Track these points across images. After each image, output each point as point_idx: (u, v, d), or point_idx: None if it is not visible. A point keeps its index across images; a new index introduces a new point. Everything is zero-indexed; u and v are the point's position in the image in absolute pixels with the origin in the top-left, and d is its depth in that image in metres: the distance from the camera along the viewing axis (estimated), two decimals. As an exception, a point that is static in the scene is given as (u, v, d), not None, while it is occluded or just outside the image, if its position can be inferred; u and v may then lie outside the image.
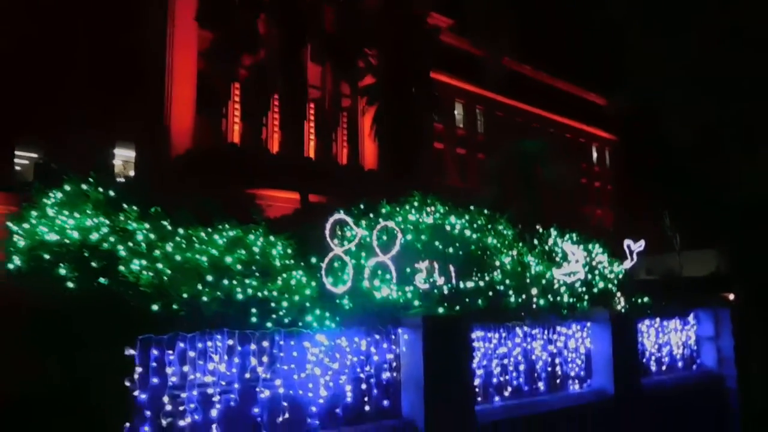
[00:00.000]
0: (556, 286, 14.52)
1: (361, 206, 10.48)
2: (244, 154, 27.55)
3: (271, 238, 8.24)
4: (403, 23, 25.95)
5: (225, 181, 19.28)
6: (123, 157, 25.01)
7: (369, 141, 32.42)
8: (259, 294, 7.61)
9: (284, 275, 7.84)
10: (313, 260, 8.90)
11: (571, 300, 15.30)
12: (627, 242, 15.91)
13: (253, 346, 7.80)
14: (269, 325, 7.61)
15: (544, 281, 12.33)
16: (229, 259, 7.52)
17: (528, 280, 11.65)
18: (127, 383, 6.43)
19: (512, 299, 11.09)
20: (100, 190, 7.95)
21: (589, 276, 16.79)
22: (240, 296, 7.41)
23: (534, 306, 11.76)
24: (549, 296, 14.11)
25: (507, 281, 10.99)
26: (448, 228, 10.71)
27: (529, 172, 19.82)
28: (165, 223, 7.66)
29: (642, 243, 15.96)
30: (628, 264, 16.19)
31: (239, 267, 7.54)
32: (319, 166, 29.09)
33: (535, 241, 15.56)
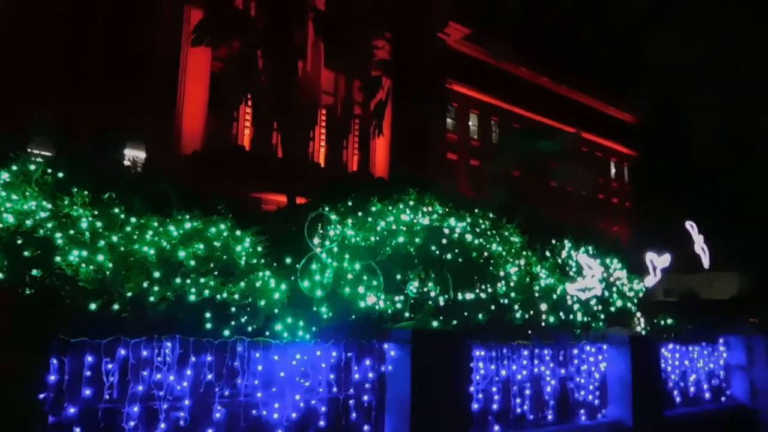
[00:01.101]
0: (569, 302, 13.61)
1: (349, 203, 9.64)
2: (251, 157, 27.62)
3: (238, 232, 7.42)
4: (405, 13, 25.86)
5: (231, 183, 19.01)
6: (134, 157, 25.27)
7: (381, 149, 32.73)
8: (218, 296, 6.77)
9: (251, 276, 6.99)
10: (288, 261, 8.06)
11: (585, 318, 14.38)
12: (650, 256, 14.91)
13: (209, 357, 6.96)
14: (227, 332, 6.76)
15: (555, 296, 11.37)
16: (182, 254, 6.70)
17: (537, 294, 10.70)
18: (42, 396, 5.60)
19: (518, 315, 10.14)
20: (49, 171, 7.17)
21: (606, 293, 15.86)
22: (193, 297, 6.58)
23: (543, 323, 10.79)
24: (561, 313, 13.18)
25: (512, 294, 10.05)
26: (446, 231, 9.82)
27: (540, 174, 18.80)
28: (117, 210, 6.87)
29: (668, 257, 14.95)
30: (651, 281, 15.18)
31: (193, 263, 6.71)
32: (327, 171, 28.95)
33: (547, 253, 14.72)
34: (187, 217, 7.23)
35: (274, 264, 7.95)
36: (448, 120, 42.87)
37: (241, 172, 23.85)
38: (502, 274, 10.14)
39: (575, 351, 11.76)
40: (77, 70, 24.78)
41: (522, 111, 46.97)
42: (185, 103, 26.75)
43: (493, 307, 9.78)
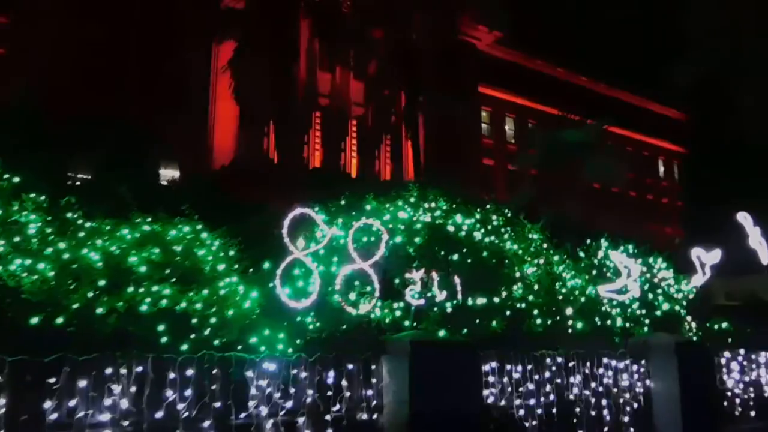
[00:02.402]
0: (605, 307, 12.57)
1: (342, 202, 8.98)
2: (282, 169, 27.98)
3: (204, 235, 6.85)
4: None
5: (261, 195, 19.04)
6: (168, 176, 26.35)
7: (414, 157, 32.95)
8: (178, 306, 6.19)
9: (215, 283, 6.40)
10: (266, 266, 7.44)
11: (625, 324, 13.28)
12: (696, 252, 13.69)
13: (172, 375, 6.38)
14: (185, 347, 6.16)
15: (583, 299, 10.38)
16: (133, 259, 6.16)
17: (560, 297, 9.75)
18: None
19: (538, 321, 9.22)
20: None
21: (650, 295, 14.70)
22: (144, 308, 6.02)
23: (570, 330, 9.83)
24: (596, 318, 12.15)
25: (530, 297, 9.15)
26: (451, 229, 9.04)
27: (566, 168, 17.75)
28: (70, 214, 6.40)
29: (718, 253, 13.69)
30: (699, 279, 13.93)
31: (143, 269, 6.15)
32: (358, 181, 29.01)
33: (582, 254, 13.72)
34: (149, 219, 6.70)
35: (251, 270, 7.33)
36: (483, 125, 42.29)
37: (270, 184, 23.92)
38: (518, 275, 9.24)
39: (612, 362, 10.70)
40: (113, 94, 25.79)
41: (561, 113, 45.78)
42: (216, 121, 27.93)
43: (508, 313, 8.87)
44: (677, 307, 15.07)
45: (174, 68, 26.70)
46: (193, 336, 6.19)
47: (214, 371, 6.63)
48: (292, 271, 7.71)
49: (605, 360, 10.60)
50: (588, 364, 10.37)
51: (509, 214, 10.43)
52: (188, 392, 6.48)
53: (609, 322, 12.73)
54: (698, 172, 50.89)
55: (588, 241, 14.19)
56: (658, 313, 14.39)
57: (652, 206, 51.90)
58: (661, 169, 55.53)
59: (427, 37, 31.11)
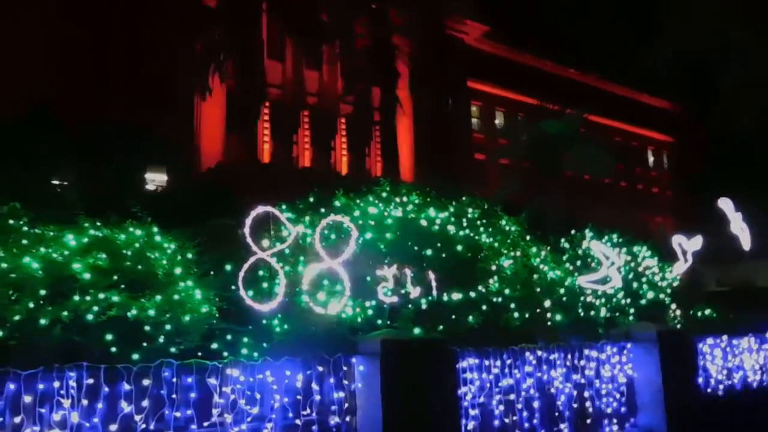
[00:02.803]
0: (588, 298, 12.44)
1: (311, 199, 8.70)
2: (270, 170, 27.84)
3: (158, 238, 6.55)
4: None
5: (250, 197, 18.83)
6: (155, 181, 26.06)
7: (405, 154, 33.10)
8: (130, 314, 5.89)
9: (168, 288, 6.10)
10: (228, 268, 7.16)
11: (610, 315, 13.17)
12: (677, 239, 13.58)
13: (127, 386, 6.09)
14: (136, 356, 5.86)
15: (562, 290, 10.20)
16: (77, 266, 5.85)
17: (538, 290, 9.56)
18: None
19: (516, 315, 9.01)
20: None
21: (635, 284, 14.61)
22: (91, 317, 5.71)
23: (549, 323, 9.64)
24: (580, 310, 12.02)
25: (507, 291, 8.94)
26: (424, 223, 8.80)
27: (552, 160, 17.56)
28: (12, 221, 6.07)
29: (699, 240, 13.59)
30: (681, 267, 13.83)
31: (88, 276, 5.84)
32: (348, 179, 28.89)
33: (566, 245, 13.59)
34: (98, 224, 6.38)
35: (212, 273, 7.04)
36: (474, 120, 42.24)
37: (258, 186, 23.69)
38: (494, 268, 9.02)
39: (593, 353, 10.54)
40: (98, 98, 25.43)
41: (550, 106, 45.80)
42: (202, 123, 27.67)
43: (484, 308, 8.66)
44: (662, 296, 15.02)
45: (159, 70, 26.45)
46: (145, 344, 5.88)
47: (174, 380, 6.35)
48: (256, 273, 7.42)
49: (587, 351, 10.45)
50: (570, 356, 10.22)
51: (486, 207, 10.21)
52: (145, 403, 6.20)
53: (593, 312, 12.63)
54: (687, 161, 51.41)
55: (573, 231, 14.09)
56: (643, 302, 14.33)
57: (643, 196, 52.24)
58: (651, 159, 55.93)
59: (414, 31, 31.46)
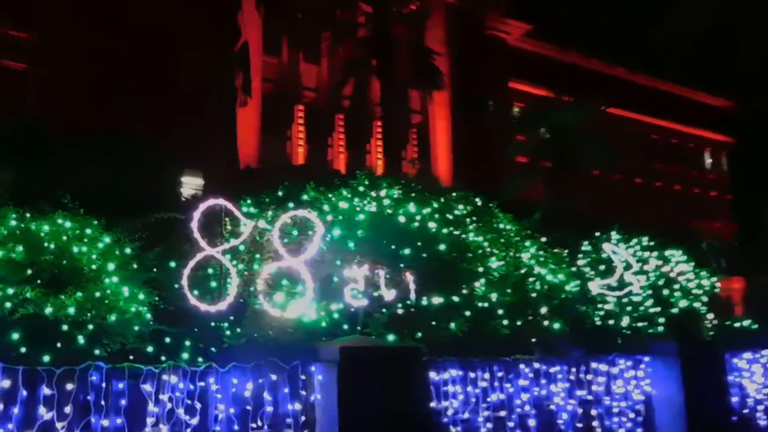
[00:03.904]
0: (607, 305, 11.59)
1: (279, 193, 8.25)
2: (304, 172, 28.05)
3: (88, 230, 6.21)
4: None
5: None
6: (192, 185, 26.73)
7: (443, 157, 32.85)
8: (48, 311, 5.55)
9: (90, 285, 5.74)
10: (173, 264, 6.77)
11: (635, 324, 12.26)
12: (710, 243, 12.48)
13: (47, 390, 5.75)
14: (47, 358, 5.51)
15: (564, 295, 9.38)
16: (-16, 259, 5.56)
17: (534, 294, 8.79)
18: None
19: (505, 322, 8.28)
20: None
21: (665, 291, 13.60)
22: (-4, 314, 5.41)
23: (547, 331, 8.85)
24: (596, 318, 11.21)
25: (494, 295, 8.22)
26: (402, 219, 8.20)
27: (566, 156, 16.58)
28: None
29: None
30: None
31: (-9, 271, 5.53)
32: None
33: (588, 247, 12.76)
34: (27, 215, 6.09)
35: (155, 269, 6.67)
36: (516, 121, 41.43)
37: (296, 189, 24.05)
38: (481, 270, 8.33)
39: (602, 366, 9.66)
40: (134, 108, 26.19)
41: (602, 107, 44.28)
42: (238, 127, 28.19)
43: (468, 314, 7.98)
44: (696, 304, 13.91)
45: (192, 74, 26.99)
46: (59, 345, 5.52)
47: (103, 385, 5.98)
48: (206, 271, 7.01)
49: (594, 365, 9.58)
50: (574, 369, 9.38)
51: (479, 203, 9.52)
52: (68, 409, 5.84)
53: (611, 321, 11.73)
54: (748, 163, 48.75)
55: (597, 233, 13.25)
56: (675, 310, 13.28)
57: (699, 200, 49.91)
58: (708, 160, 53.50)
59: (454, 33, 31.39)
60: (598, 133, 17.27)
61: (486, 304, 8.18)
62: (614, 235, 13.31)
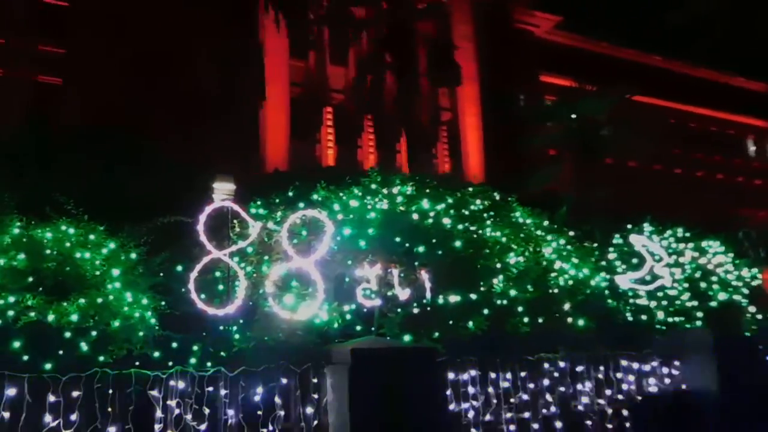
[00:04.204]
0: (643, 299, 11.19)
1: (290, 194, 8.13)
2: (333, 173, 28.24)
3: (92, 236, 6.18)
4: None
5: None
6: (223, 190, 27.02)
7: (474, 153, 32.77)
8: (52, 319, 5.53)
9: (92, 291, 5.70)
10: (179, 269, 6.70)
11: (670, 318, 11.82)
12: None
13: (52, 397, 5.73)
14: (48, 365, 5.48)
15: (588, 290, 9.02)
16: (-16, 268, 5.56)
17: (555, 290, 8.46)
18: None
19: (525, 319, 7.99)
20: None
21: (703, 284, 13.08)
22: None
23: (570, 328, 8.51)
24: (626, 314, 10.81)
25: (512, 292, 7.94)
26: (415, 216, 7.98)
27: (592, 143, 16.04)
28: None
29: None
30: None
31: (-2, 278, 5.53)
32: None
33: (620, 240, 12.35)
34: (32, 222, 6.10)
35: (161, 275, 6.62)
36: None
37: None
38: (499, 266, 8.05)
39: (633, 364, 9.26)
40: (164, 114, 26.68)
41: (632, 97, 43.13)
42: (267, 130, 28.55)
43: (486, 311, 7.72)
44: (737, 297, 13.32)
45: (218, 80, 27.40)
46: (61, 353, 5.49)
47: (109, 391, 5.94)
48: (213, 274, 6.93)
49: (624, 362, 9.19)
50: (602, 367, 9.01)
51: (497, 197, 9.23)
52: (74, 417, 5.82)
53: (644, 316, 11.29)
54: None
55: (629, 226, 12.84)
56: (714, 303, 12.73)
57: (743, 189, 48.21)
58: (752, 148, 51.63)
59: (481, 29, 30.97)
60: (626, 122, 16.65)
61: (505, 302, 7.89)
62: (647, 227, 12.87)
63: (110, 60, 26.21)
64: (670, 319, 11.70)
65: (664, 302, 11.91)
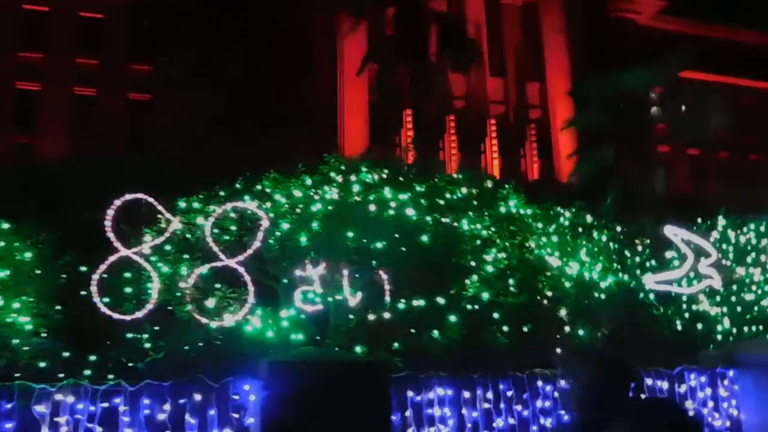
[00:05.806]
0: (705, 305, 9.60)
1: (237, 185, 7.36)
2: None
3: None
4: None
5: None
6: None
7: (566, 152, 31.70)
8: None
9: None
10: (83, 269, 6.12)
11: (736, 328, 10.11)
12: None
13: None
14: None
15: (599, 293, 7.50)
16: None
17: (549, 293, 7.05)
18: None
19: (505, 328, 6.67)
20: None
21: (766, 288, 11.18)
22: None
23: (568, 339, 7.07)
24: (678, 323, 9.27)
25: (485, 295, 6.66)
26: (372, 208, 6.93)
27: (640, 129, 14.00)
28: None
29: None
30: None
31: None
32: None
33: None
34: None
35: (64, 276, 6.07)
36: (654, 109, 37.86)
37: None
38: (473, 264, 6.81)
39: (663, 384, 7.61)
40: (247, 120, 27.65)
41: (753, 83, 38.96)
42: (346, 134, 28.89)
43: (453, 319, 6.53)
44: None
45: (304, 89, 28.06)
46: None
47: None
48: (122, 275, 6.28)
49: (650, 381, 7.56)
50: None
51: (490, 185, 7.96)
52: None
53: (699, 325, 9.53)
54: None
55: (699, 219, 11.13)
56: (800, 309, 10.64)
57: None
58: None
59: (578, 22, 30.60)
60: (684, 100, 14.52)
61: (476, 307, 6.63)
62: (721, 221, 11.01)
63: (197, 78, 27.40)
64: (747, 329, 9.92)
65: (739, 308, 10.11)
